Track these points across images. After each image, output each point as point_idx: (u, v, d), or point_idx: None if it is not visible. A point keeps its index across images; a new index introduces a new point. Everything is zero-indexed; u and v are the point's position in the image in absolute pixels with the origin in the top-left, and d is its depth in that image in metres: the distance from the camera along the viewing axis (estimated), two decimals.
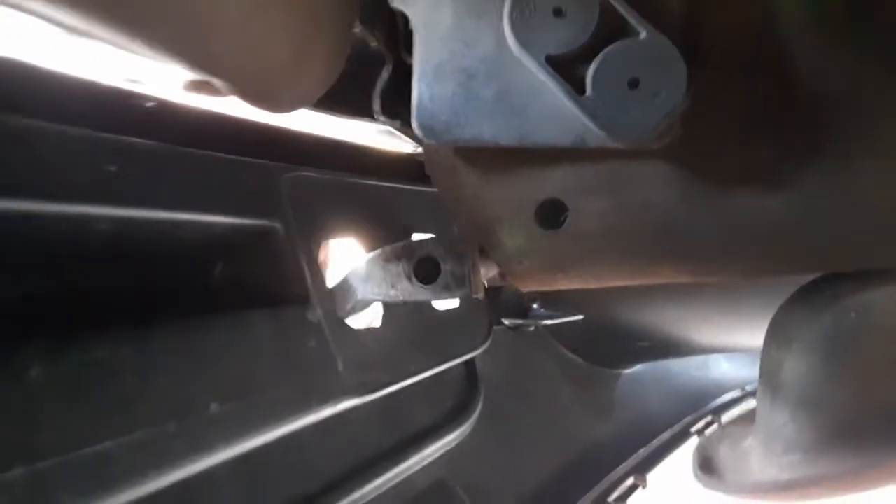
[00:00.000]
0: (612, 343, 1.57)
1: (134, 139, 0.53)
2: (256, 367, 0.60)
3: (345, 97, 0.71)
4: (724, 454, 0.75)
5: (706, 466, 0.73)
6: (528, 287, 0.66)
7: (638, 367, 1.71)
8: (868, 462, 0.57)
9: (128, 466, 0.48)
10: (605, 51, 0.50)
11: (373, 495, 0.77)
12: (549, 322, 1.32)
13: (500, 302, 1.25)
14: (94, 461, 0.46)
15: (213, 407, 0.54)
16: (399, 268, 0.74)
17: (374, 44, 0.64)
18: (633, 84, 0.50)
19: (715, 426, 1.56)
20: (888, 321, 0.59)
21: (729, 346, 1.69)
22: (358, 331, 0.75)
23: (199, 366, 0.55)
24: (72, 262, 0.51)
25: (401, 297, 0.75)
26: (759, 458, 0.66)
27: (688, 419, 1.64)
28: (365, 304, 0.77)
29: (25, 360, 0.45)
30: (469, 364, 1.10)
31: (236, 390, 0.56)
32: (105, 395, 0.48)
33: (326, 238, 0.76)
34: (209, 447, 0.53)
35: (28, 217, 0.47)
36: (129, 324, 0.51)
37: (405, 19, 0.59)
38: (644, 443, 1.48)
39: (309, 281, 0.69)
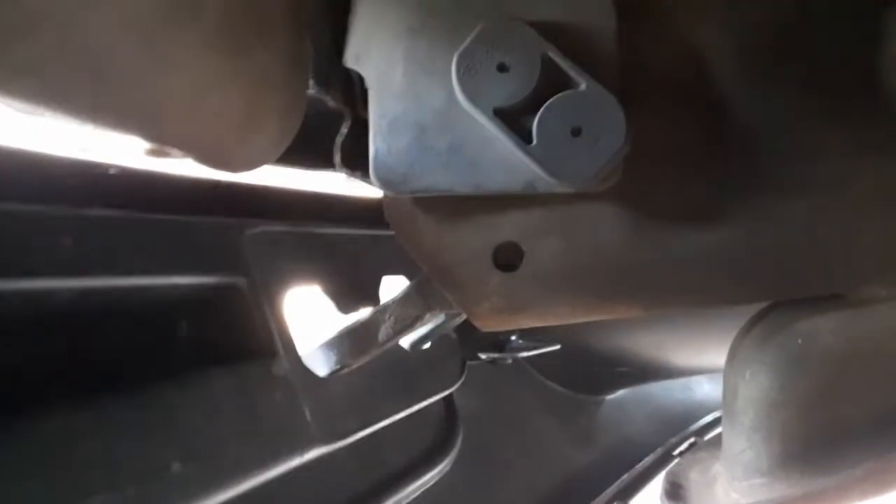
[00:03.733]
0: (592, 370, 1.58)
1: (91, 210, 0.54)
2: (220, 423, 0.60)
3: (307, 150, 0.73)
4: (693, 480, 0.77)
5: (673, 494, 0.74)
6: (489, 327, 0.67)
7: (620, 393, 1.72)
8: (820, 484, 0.58)
9: None
10: (548, 102, 0.53)
11: None
12: (526, 354, 1.33)
13: (476, 337, 1.26)
14: None
15: (175, 467, 0.54)
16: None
17: (330, 103, 0.66)
18: (576, 132, 0.53)
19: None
20: (833, 347, 0.61)
21: (710, 367, 1.70)
22: (325, 379, 0.75)
23: (160, 426, 0.55)
24: (28, 334, 0.52)
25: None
26: (724, 484, 0.68)
27: (671, 441, 1.64)
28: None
29: None
30: (447, 400, 1.10)
31: (199, 449, 0.57)
32: (63, 463, 0.48)
33: (292, 290, 0.77)
34: None
35: None
36: (88, 389, 0.52)
37: (360, 77, 0.62)
38: (627, 468, 1.49)
39: (275, 334, 0.70)
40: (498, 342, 1.31)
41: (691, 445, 1.59)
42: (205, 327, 0.65)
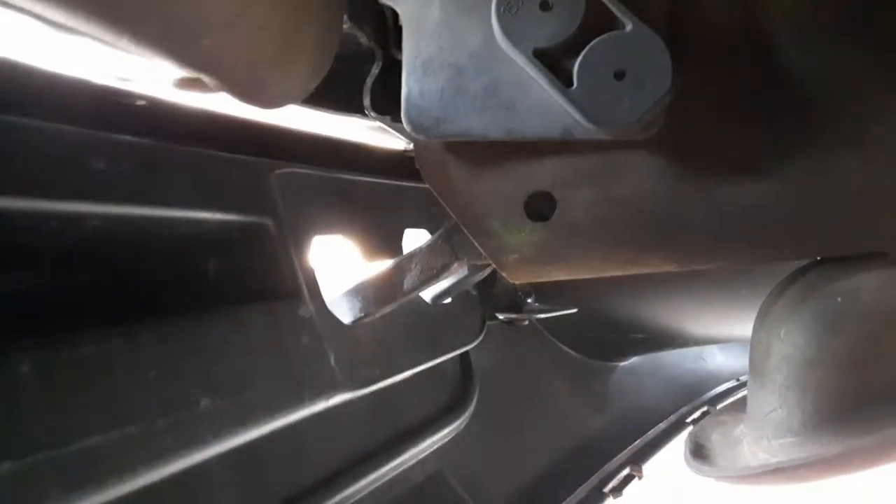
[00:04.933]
0: (607, 336, 1.57)
1: (123, 136, 0.53)
2: (248, 362, 0.60)
3: (335, 93, 0.71)
4: (716, 441, 0.76)
5: (698, 453, 0.73)
6: (518, 279, 0.66)
7: (633, 360, 1.72)
8: (853, 444, 0.57)
9: (117, 461, 0.48)
10: (591, 43, 0.51)
11: (369, 489, 0.78)
12: (543, 316, 1.33)
13: (494, 297, 1.25)
14: (83, 456, 0.46)
15: (204, 402, 0.54)
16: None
17: (363, 40, 0.64)
18: (620, 76, 0.51)
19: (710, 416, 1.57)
20: (874, 305, 0.59)
21: (723, 337, 1.70)
22: (350, 326, 0.75)
23: (189, 361, 0.55)
24: (61, 258, 0.51)
25: None
26: (750, 444, 0.67)
27: (683, 410, 1.65)
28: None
29: (15, 357, 0.45)
30: (464, 358, 1.10)
31: (227, 385, 0.57)
32: (94, 390, 0.48)
33: (317, 234, 0.76)
34: (200, 442, 0.53)
35: (15, 214, 0.47)
36: (119, 320, 0.51)
37: (394, 15, 0.60)
38: (639, 434, 1.49)
39: (300, 277, 0.69)
40: (515, 303, 1.30)
41: (704, 414, 1.59)
42: (232, 264, 0.65)
